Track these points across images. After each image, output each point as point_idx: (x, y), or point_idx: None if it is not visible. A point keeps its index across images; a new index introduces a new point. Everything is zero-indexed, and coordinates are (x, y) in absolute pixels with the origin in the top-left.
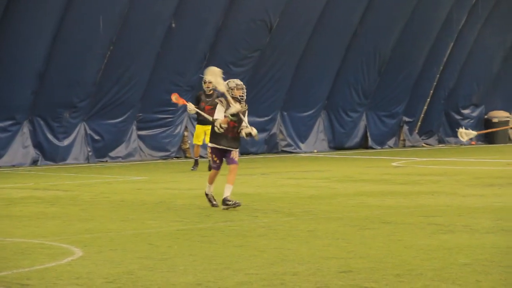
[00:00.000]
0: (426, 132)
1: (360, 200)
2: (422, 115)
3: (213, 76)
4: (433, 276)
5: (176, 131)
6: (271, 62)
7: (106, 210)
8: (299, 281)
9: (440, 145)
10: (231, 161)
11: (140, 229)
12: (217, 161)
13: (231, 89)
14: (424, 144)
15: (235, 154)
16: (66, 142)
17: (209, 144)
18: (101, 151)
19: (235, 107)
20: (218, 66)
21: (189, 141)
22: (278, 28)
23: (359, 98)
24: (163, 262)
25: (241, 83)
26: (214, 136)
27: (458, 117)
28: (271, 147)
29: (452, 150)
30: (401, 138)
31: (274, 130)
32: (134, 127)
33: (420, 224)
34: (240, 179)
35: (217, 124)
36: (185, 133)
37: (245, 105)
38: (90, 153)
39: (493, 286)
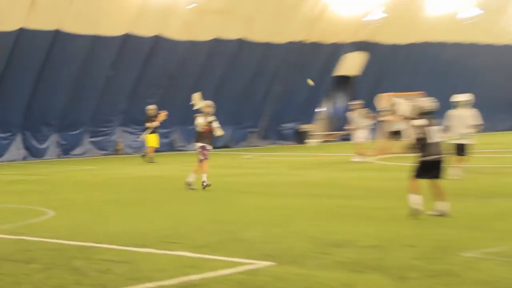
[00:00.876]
0: (266, 137)
1: (222, 178)
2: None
3: (196, 99)
4: (266, 223)
5: (112, 138)
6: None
7: (70, 187)
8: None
9: (271, 145)
10: (206, 156)
11: (89, 198)
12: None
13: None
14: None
15: (208, 150)
16: (44, 145)
17: (199, 144)
18: (66, 151)
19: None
20: None
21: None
22: None
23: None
24: (102, 218)
25: (212, 103)
26: (200, 138)
27: (280, 128)
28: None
29: (281, 149)
30: (249, 140)
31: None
32: (86, 136)
33: (258, 191)
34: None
35: (200, 127)
36: (118, 139)
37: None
38: (60, 152)
39: (298, 231)
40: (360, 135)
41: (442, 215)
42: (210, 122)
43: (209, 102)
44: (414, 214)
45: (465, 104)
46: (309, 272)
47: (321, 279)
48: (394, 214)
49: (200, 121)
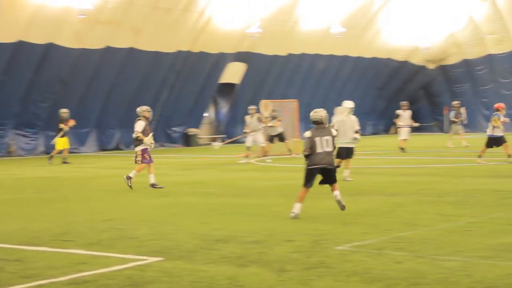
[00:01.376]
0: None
1: (114, 179)
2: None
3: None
4: (156, 220)
5: (5, 140)
6: None
7: None
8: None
9: (161, 148)
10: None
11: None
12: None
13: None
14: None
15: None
16: None
17: (141, 147)
18: None
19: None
20: None
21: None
22: None
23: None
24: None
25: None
26: (140, 142)
27: (170, 131)
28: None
29: (169, 151)
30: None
31: None
32: None
33: (148, 190)
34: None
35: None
36: (11, 142)
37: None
38: None
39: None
40: (255, 138)
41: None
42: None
43: (148, 107)
44: (294, 218)
45: (351, 111)
46: (197, 267)
47: (208, 273)
48: (275, 211)
49: (142, 125)
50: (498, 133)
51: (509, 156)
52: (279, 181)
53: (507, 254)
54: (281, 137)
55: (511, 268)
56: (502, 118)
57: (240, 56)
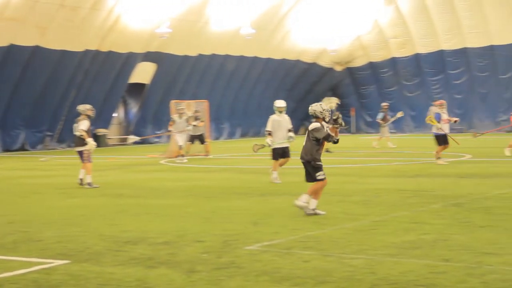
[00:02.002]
0: (61, 140)
1: (18, 180)
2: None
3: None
4: (62, 222)
5: None
6: None
7: None
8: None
9: (68, 148)
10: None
11: None
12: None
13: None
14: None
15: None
16: None
17: (82, 148)
18: None
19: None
20: None
21: None
22: None
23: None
24: None
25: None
26: (82, 141)
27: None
28: None
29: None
30: (45, 144)
31: None
32: None
33: (54, 192)
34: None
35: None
36: None
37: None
38: None
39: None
40: (179, 137)
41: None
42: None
43: (91, 106)
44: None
45: (283, 110)
46: (104, 269)
47: (116, 275)
48: (185, 212)
49: (87, 125)
50: (442, 131)
51: (437, 153)
52: (190, 182)
53: (409, 252)
54: (201, 138)
55: (413, 265)
56: (445, 116)
57: (150, 56)
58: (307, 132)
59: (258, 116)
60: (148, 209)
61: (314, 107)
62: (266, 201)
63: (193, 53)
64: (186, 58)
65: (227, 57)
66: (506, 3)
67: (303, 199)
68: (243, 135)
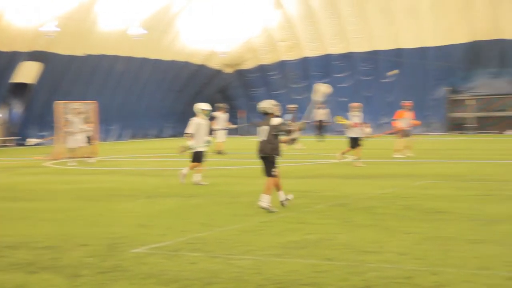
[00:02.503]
0: None
1: None
2: None
3: None
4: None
5: None
6: None
7: None
8: None
9: None
10: None
11: None
12: None
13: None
14: None
15: None
16: None
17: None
18: None
19: None
20: None
21: None
22: None
23: None
24: None
25: None
26: None
27: None
28: None
29: None
30: None
31: None
32: None
33: None
34: None
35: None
36: None
37: None
38: None
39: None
40: (75, 139)
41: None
42: None
43: None
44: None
45: (207, 113)
46: None
47: None
48: (70, 216)
49: None
50: (354, 133)
51: (343, 153)
52: (76, 185)
53: (294, 252)
54: (89, 140)
55: (297, 265)
56: (356, 119)
57: (35, 55)
58: (268, 127)
59: (147, 118)
60: (31, 213)
61: (264, 104)
62: (154, 203)
63: (80, 53)
64: (73, 58)
65: (116, 57)
66: (388, 10)
67: (263, 199)
68: (133, 136)
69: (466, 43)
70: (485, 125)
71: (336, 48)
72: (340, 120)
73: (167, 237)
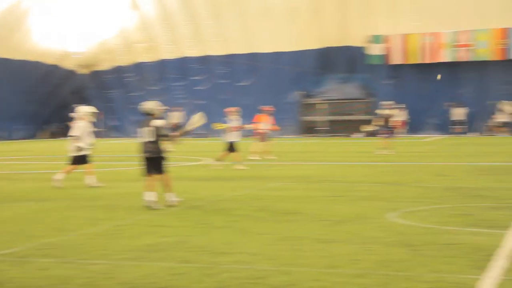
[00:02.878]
0: None
1: None
2: None
3: None
4: None
5: None
6: None
7: None
8: None
9: None
10: None
11: None
12: None
13: None
14: None
15: None
16: None
17: None
18: None
19: None
20: None
21: None
22: None
23: None
24: None
25: None
26: None
27: None
28: None
29: None
30: None
31: None
32: None
33: None
34: None
35: None
36: None
37: None
38: None
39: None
40: None
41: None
42: None
43: None
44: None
45: (92, 116)
46: None
47: None
48: None
49: None
50: (232, 138)
51: (217, 160)
52: None
53: (150, 255)
54: None
55: (153, 268)
56: (234, 123)
57: None
58: (152, 128)
59: (6, 120)
60: None
61: (149, 105)
62: (1, 208)
63: None
64: None
65: None
66: (243, 14)
67: (171, 198)
68: None
69: (317, 49)
70: (335, 128)
71: (193, 51)
72: (219, 126)
73: (16, 243)
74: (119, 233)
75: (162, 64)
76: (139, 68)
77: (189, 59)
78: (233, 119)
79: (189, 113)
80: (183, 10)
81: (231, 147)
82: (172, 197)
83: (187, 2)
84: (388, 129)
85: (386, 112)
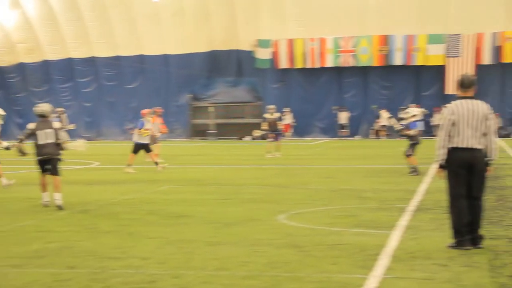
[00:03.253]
0: None
1: None
2: None
3: None
4: None
5: None
6: None
7: None
8: None
9: None
10: None
11: None
12: None
13: None
14: None
15: None
16: None
17: None
18: None
19: None
20: None
21: None
22: None
23: None
24: None
25: None
26: None
27: None
28: None
29: None
30: None
31: None
32: None
33: None
34: None
35: None
36: None
37: None
38: None
39: None
40: None
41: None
42: None
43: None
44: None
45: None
46: None
47: None
48: None
49: None
50: (144, 140)
51: (156, 163)
52: None
53: (34, 261)
54: None
55: (37, 275)
56: (148, 125)
57: None
58: (52, 130)
59: None
60: None
61: (43, 107)
62: None
63: None
64: None
65: None
66: (131, 16)
67: (56, 197)
68: None
69: (206, 52)
70: (225, 131)
71: (78, 52)
72: (144, 133)
73: None
74: (2, 239)
75: (46, 65)
76: (21, 68)
77: (74, 60)
78: (149, 121)
79: (75, 116)
80: (68, 10)
81: (145, 149)
82: (58, 198)
83: (72, 2)
84: (275, 133)
85: (271, 116)
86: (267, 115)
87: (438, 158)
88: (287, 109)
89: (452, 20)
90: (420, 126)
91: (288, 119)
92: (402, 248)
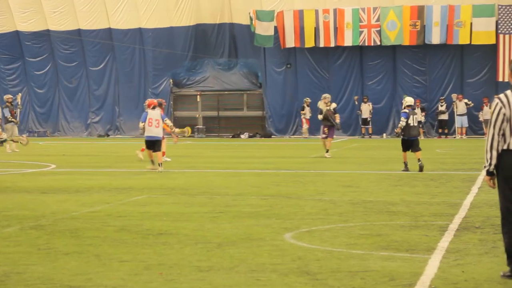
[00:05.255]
0: None
1: None
2: None
3: None
4: None
5: None
6: None
7: None
8: None
9: None
10: None
11: None
12: None
13: None
14: None
15: None
16: None
17: None
18: None
19: None
20: None
21: None
22: None
23: None
24: None
25: None
26: None
27: None
28: None
29: None
30: None
31: None
32: None
33: None
34: None
35: None
36: None
37: None
38: None
39: None
40: None
41: None
42: None
43: None
44: None
45: None
46: None
47: None
48: None
49: None
50: (158, 134)
51: (159, 164)
52: None
53: None
54: None
55: None
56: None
57: None
58: None
59: None
60: None
61: None
62: None
63: None
64: None
65: None
66: None
67: None
68: None
69: (190, 25)
70: (216, 127)
71: (28, 24)
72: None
73: None
74: None
75: None
76: None
77: (23, 34)
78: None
79: (22, 105)
80: None
81: (157, 146)
82: None
83: None
84: (331, 128)
85: (327, 106)
86: (321, 105)
87: (487, 163)
88: (308, 100)
89: None
90: (462, 123)
91: (308, 112)
92: (442, 277)
